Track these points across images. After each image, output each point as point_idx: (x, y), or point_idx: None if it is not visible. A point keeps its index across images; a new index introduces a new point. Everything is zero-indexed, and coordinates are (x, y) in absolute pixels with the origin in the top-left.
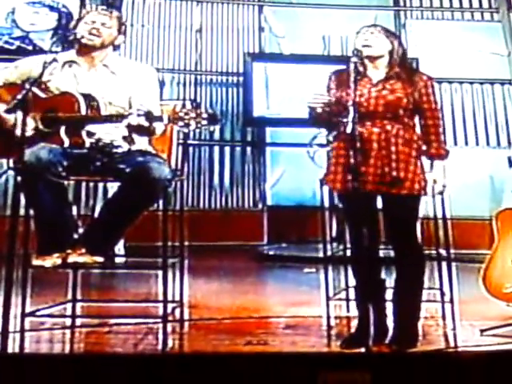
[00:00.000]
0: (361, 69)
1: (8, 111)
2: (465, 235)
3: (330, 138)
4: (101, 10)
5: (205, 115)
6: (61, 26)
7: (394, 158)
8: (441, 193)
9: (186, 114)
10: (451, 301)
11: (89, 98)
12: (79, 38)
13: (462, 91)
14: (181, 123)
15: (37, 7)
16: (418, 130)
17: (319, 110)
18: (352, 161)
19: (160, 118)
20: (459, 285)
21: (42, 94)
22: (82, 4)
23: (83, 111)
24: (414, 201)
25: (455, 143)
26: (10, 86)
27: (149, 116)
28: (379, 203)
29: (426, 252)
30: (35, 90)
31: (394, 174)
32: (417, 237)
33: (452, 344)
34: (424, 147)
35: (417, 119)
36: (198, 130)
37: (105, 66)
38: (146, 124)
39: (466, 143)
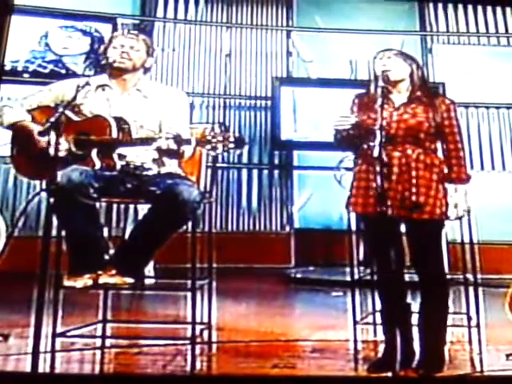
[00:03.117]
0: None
1: (41, 133)
2: (492, 260)
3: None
4: (127, 33)
5: (232, 139)
6: (93, 51)
7: (414, 183)
8: (462, 217)
9: (214, 137)
10: (478, 325)
11: (120, 121)
12: (111, 62)
13: (488, 116)
14: (208, 146)
15: (70, 31)
16: (440, 153)
17: (344, 133)
18: (375, 185)
19: (188, 141)
20: (486, 310)
21: (74, 117)
22: (115, 29)
23: (115, 134)
24: (435, 225)
25: (482, 168)
26: (44, 109)
27: (177, 139)
28: (403, 227)
29: (454, 277)
30: (68, 112)
31: (414, 198)
32: (439, 261)
33: (478, 368)
34: (446, 171)
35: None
36: (226, 153)
37: (138, 91)
38: (175, 147)
39: (493, 168)
